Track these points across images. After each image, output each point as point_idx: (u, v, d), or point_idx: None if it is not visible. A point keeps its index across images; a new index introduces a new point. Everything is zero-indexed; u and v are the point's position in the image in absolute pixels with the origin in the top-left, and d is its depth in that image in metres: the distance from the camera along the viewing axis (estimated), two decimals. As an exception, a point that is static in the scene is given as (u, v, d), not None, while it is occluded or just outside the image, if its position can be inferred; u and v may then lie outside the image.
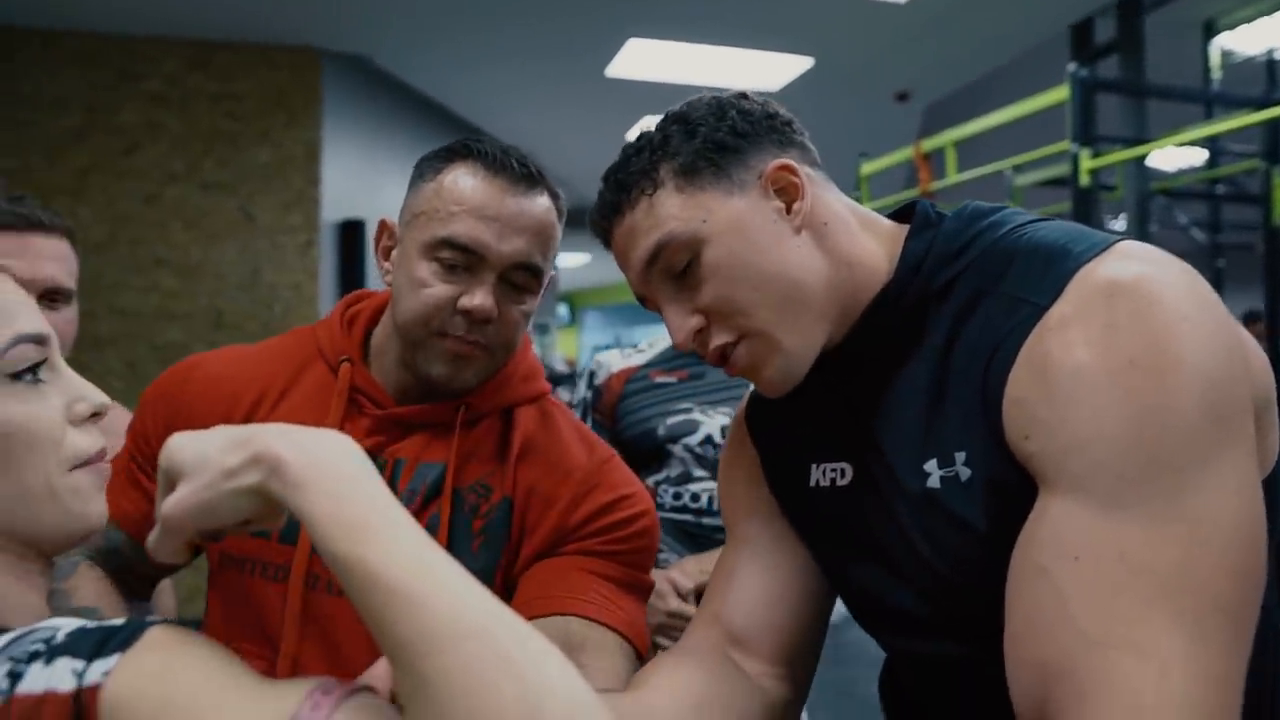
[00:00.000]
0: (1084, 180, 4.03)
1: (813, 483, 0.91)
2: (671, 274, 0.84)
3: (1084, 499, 0.65)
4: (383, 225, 1.07)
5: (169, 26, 4.52)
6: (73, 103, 4.50)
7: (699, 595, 1.70)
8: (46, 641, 0.53)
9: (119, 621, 0.55)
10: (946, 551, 0.77)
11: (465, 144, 1.01)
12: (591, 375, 2.00)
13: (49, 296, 1.29)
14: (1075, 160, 4.04)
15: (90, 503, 0.66)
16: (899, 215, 0.91)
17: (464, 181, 0.98)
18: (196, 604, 0.99)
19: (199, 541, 0.61)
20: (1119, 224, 5.69)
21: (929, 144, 5.01)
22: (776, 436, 0.97)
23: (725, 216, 0.82)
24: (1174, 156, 6.67)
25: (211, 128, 4.66)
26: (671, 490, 1.84)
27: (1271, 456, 0.72)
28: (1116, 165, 4.34)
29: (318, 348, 1.09)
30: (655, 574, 1.23)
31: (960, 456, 0.76)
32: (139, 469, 1.07)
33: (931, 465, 0.78)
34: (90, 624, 0.55)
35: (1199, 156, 6.36)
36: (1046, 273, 0.73)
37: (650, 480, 1.82)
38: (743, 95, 0.88)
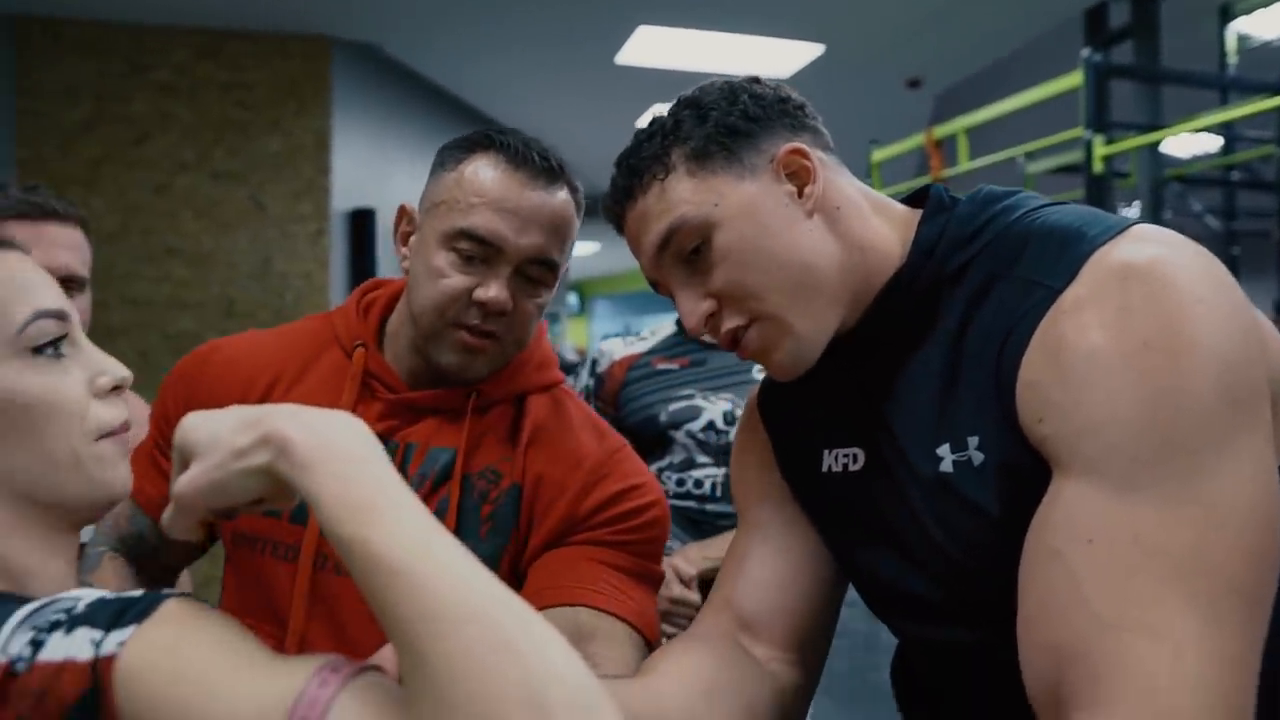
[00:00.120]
0: (1098, 167, 4.01)
1: (825, 468, 0.91)
2: (683, 258, 0.84)
3: (1098, 482, 0.65)
4: (402, 211, 1.07)
5: (178, 15, 4.52)
6: (83, 93, 4.51)
7: (703, 582, 1.70)
8: (68, 611, 0.54)
9: (137, 594, 0.56)
10: (959, 536, 0.77)
11: (488, 134, 1.01)
12: (594, 363, 2.01)
13: (63, 285, 1.30)
14: (1089, 147, 4.02)
15: (114, 470, 0.67)
16: (912, 200, 0.91)
17: (485, 173, 0.98)
18: (209, 590, 1.01)
19: (212, 520, 0.61)
20: (1133, 211, 5.65)
21: (941, 131, 4.99)
22: (788, 422, 0.97)
23: (737, 200, 0.82)
24: (1189, 143, 6.62)
25: (222, 117, 4.67)
26: (675, 477, 1.85)
27: (1288, 439, 0.71)
28: (1130, 152, 4.31)
29: (334, 333, 1.10)
30: None
31: (973, 441, 0.75)
32: (162, 454, 1.09)
33: (944, 450, 0.77)
34: (110, 595, 0.56)
35: (1214, 143, 6.31)
36: (1061, 256, 0.72)
37: (653, 467, 1.83)
38: (755, 80, 0.88)
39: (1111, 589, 0.63)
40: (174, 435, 0.61)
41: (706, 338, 1.89)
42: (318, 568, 0.99)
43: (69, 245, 1.33)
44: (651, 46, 5.13)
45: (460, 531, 0.99)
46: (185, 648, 0.53)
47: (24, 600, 0.57)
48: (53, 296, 0.66)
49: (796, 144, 0.83)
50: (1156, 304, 0.65)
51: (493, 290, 0.97)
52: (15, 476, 0.63)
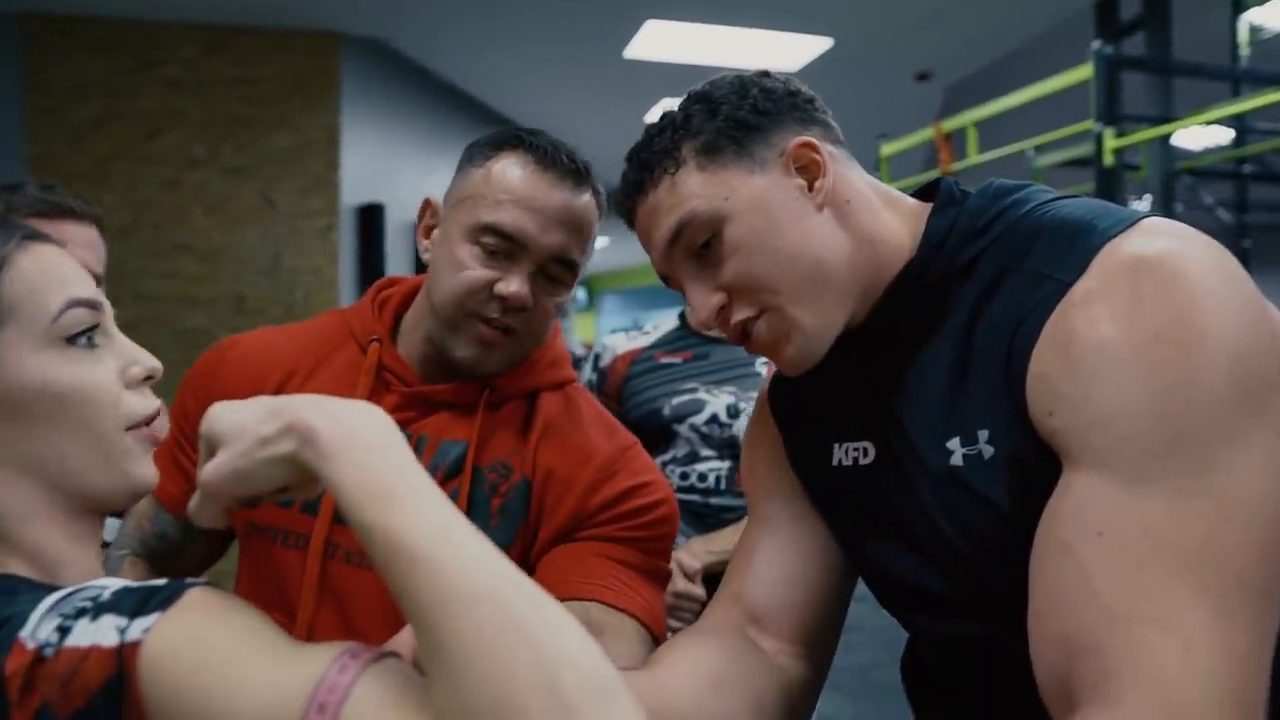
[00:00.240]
0: (1108, 160, 3.99)
1: (835, 462, 0.91)
2: (694, 252, 0.84)
3: (1108, 474, 0.65)
4: (427, 204, 1.09)
5: (187, 12, 4.54)
6: (93, 89, 4.53)
7: (707, 576, 1.71)
8: (94, 599, 0.55)
9: (161, 582, 0.57)
10: (969, 530, 0.77)
11: (516, 134, 1.03)
12: (596, 358, 2.02)
13: None
14: (1099, 140, 3.99)
15: (142, 462, 0.68)
16: (923, 194, 0.90)
17: (513, 171, 1.00)
18: (221, 586, 1.02)
19: (237, 508, 0.62)
20: (1143, 204, 5.62)
21: (950, 124, 4.97)
22: (799, 416, 0.97)
23: (747, 194, 0.82)
24: (1200, 135, 6.58)
25: (231, 113, 4.68)
26: (679, 470, 1.85)
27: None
28: (1141, 144, 4.28)
29: (349, 329, 1.12)
30: None
31: (983, 434, 0.75)
32: (182, 451, 1.11)
33: (954, 443, 0.77)
34: (135, 584, 0.57)
35: (1226, 135, 6.27)
36: (1071, 249, 0.72)
37: (657, 461, 1.84)
38: (765, 74, 0.88)
39: (1122, 582, 0.62)
40: (200, 425, 0.62)
41: (710, 332, 1.88)
42: (328, 557, 1.01)
43: (85, 243, 1.36)
44: (660, 40, 5.13)
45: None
46: (208, 635, 0.54)
47: (53, 588, 0.58)
48: (86, 286, 0.67)
49: (806, 138, 0.83)
50: (1167, 296, 0.65)
51: (514, 285, 0.98)
52: (48, 466, 0.64)
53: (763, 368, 1.89)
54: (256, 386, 1.07)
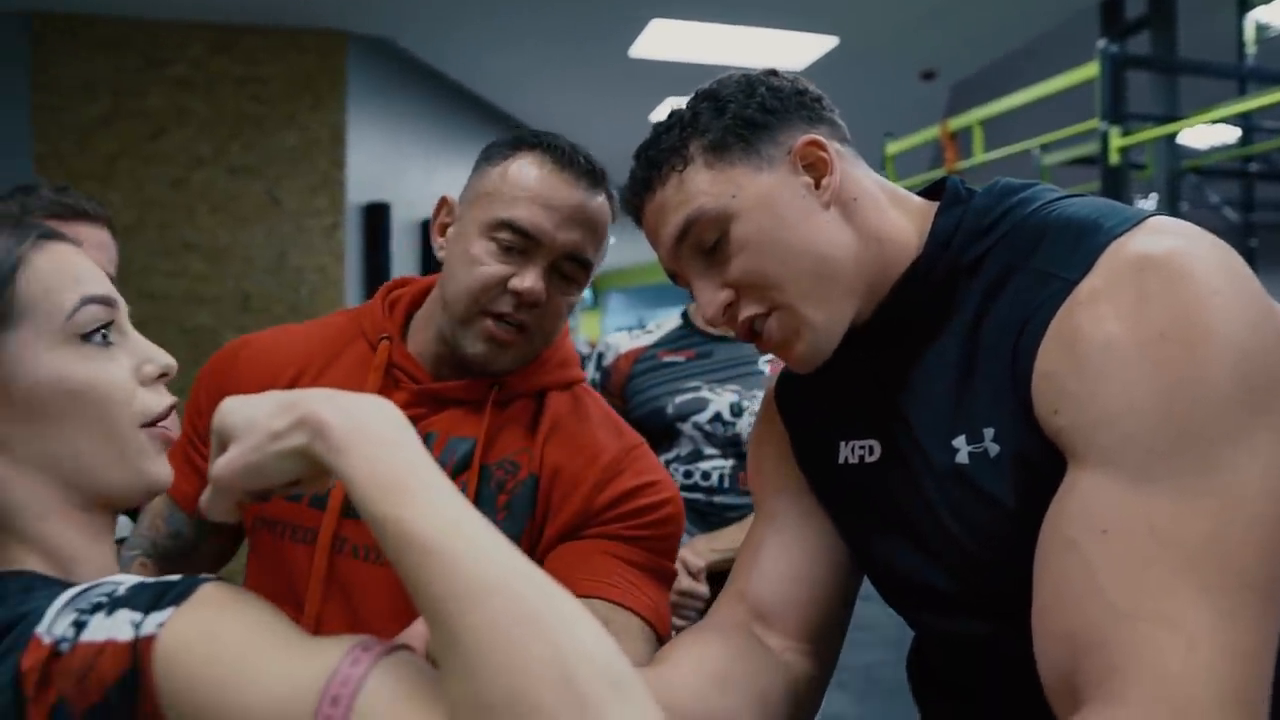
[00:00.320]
0: (1114, 159, 3.98)
1: (841, 459, 0.91)
2: (701, 249, 0.84)
3: (1114, 472, 0.65)
4: (443, 202, 1.10)
5: (194, 11, 4.54)
6: (100, 88, 4.54)
7: (711, 574, 1.71)
8: (109, 595, 0.56)
9: (175, 578, 0.58)
10: (975, 528, 0.77)
11: (535, 135, 1.05)
12: (600, 357, 2.02)
13: None
14: (1105, 138, 3.99)
15: (157, 459, 0.69)
16: (929, 192, 0.91)
17: (530, 170, 1.02)
18: (233, 583, 1.03)
19: (249, 503, 0.63)
20: (1149, 203, 5.61)
21: (955, 123, 4.96)
22: (806, 414, 0.97)
23: (754, 192, 0.82)
24: (1206, 134, 6.56)
25: (237, 112, 4.69)
26: (682, 469, 1.86)
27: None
28: (1147, 143, 4.26)
29: (360, 328, 1.13)
30: None
31: (989, 432, 0.76)
32: (196, 451, 1.12)
33: (960, 441, 0.78)
34: (149, 580, 0.58)
35: (1231, 134, 6.25)
36: (1077, 247, 0.72)
37: (660, 459, 1.84)
38: (773, 72, 0.88)
39: (1127, 579, 0.63)
40: (212, 419, 0.62)
41: (713, 330, 1.88)
42: (335, 551, 1.01)
43: (98, 245, 1.39)
44: (665, 39, 5.13)
45: None
46: (221, 629, 0.54)
47: (68, 584, 0.59)
48: (101, 283, 0.68)
49: (814, 136, 0.84)
50: (1173, 295, 0.65)
51: (528, 280, 0.99)
52: (63, 463, 0.65)
53: (765, 366, 1.90)
54: (268, 384, 1.08)
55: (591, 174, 1.04)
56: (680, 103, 0.89)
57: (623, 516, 1.03)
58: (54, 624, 0.54)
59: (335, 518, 1.01)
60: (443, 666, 0.50)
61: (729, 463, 1.85)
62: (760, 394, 1.85)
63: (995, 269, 0.79)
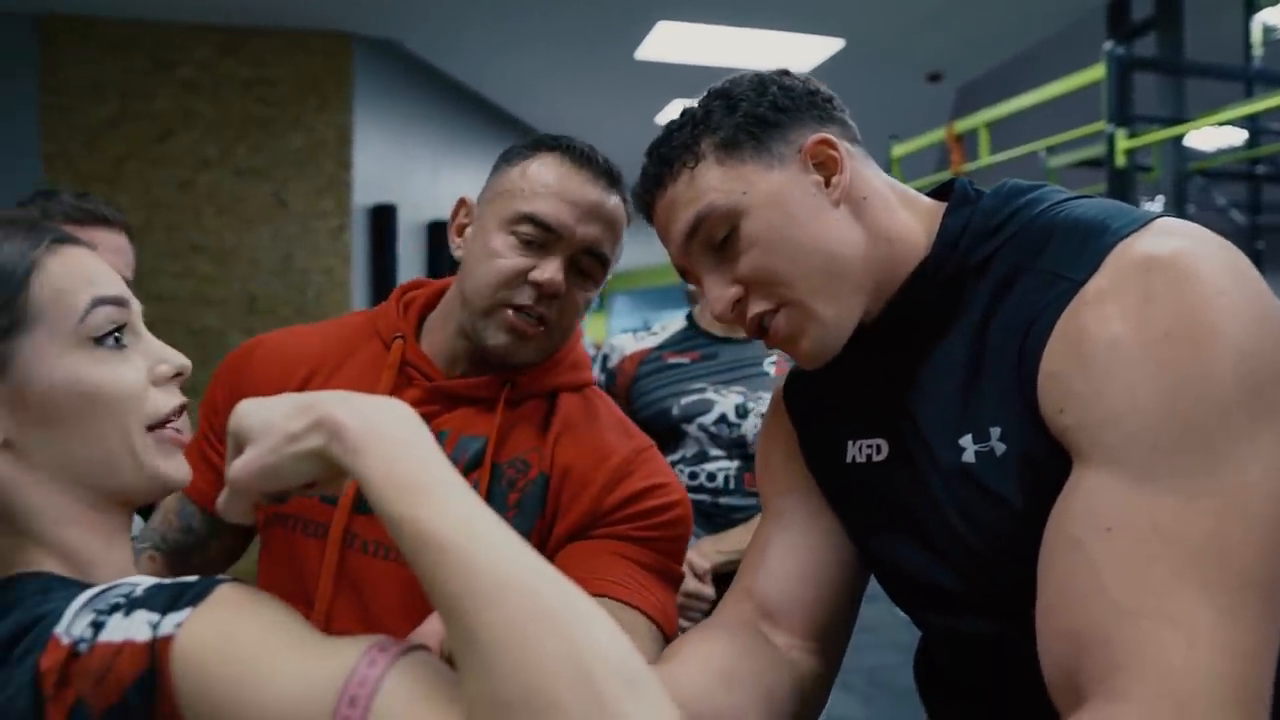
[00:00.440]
0: (1120, 161, 3.97)
1: (849, 459, 0.92)
2: (711, 246, 0.85)
3: (1118, 471, 0.65)
4: (461, 202, 1.12)
5: (202, 13, 4.56)
6: (108, 90, 4.56)
7: (716, 576, 1.71)
8: (127, 596, 0.56)
9: (193, 579, 0.58)
10: (981, 527, 0.77)
11: (554, 138, 1.08)
12: (605, 358, 2.02)
13: None
14: (1111, 141, 3.98)
15: (170, 460, 0.69)
16: (938, 193, 0.91)
17: (550, 167, 1.04)
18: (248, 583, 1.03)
19: (265, 504, 0.63)
20: (1155, 205, 5.60)
21: (961, 125, 4.96)
22: (813, 413, 0.98)
23: (765, 189, 0.83)
24: (1212, 136, 6.54)
25: (244, 113, 4.70)
26: (688, 470, 1.86)
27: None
28: (1153, 145, 4.26)
29: (374, 328, 1.14)
30: None
31: (995, 432, 0.76)
32: (210, 446, 1.12)
33: (967, 440, 0.78)
34: (166, 581, 0.58)
35: (1238, 136, 6.23)
36: (1084, 248, 0.73)
37: (666, 460, 1.84)
38: (784, 72, 0.89)
39: (1130, 577, 0.63)
40: (228, 421, 0.62)
41: (718, 331, 1.89)
42: (346, 546, 1.02)
43: (115, 249, 1.42)
44: (671, 42, 5.13)
45: None
46: (238, 630, 0.54)
47: (86, 586, 0.59)
48: (113, 285, 0.68)
49: (824, 134, 0.84)
50: (1178, 295, 0.65)
51: (549, 272, 1.01)
52: (78, 466, 0.65)
53: (771, 367, 1.90)
54: (282, 382, 1.09)
55: (609, 174, 1.06)
56: (686, 105, 0.89)
57: (631, 518, 1.04)
58: (72, 625, 0.55)
59: (346, 513, 1.02)
60: (459, 664, 0.50)
61: (734, 464, 1.85)
62: (765, 395, 1.85)
63: (1003, 269, 0.79)
